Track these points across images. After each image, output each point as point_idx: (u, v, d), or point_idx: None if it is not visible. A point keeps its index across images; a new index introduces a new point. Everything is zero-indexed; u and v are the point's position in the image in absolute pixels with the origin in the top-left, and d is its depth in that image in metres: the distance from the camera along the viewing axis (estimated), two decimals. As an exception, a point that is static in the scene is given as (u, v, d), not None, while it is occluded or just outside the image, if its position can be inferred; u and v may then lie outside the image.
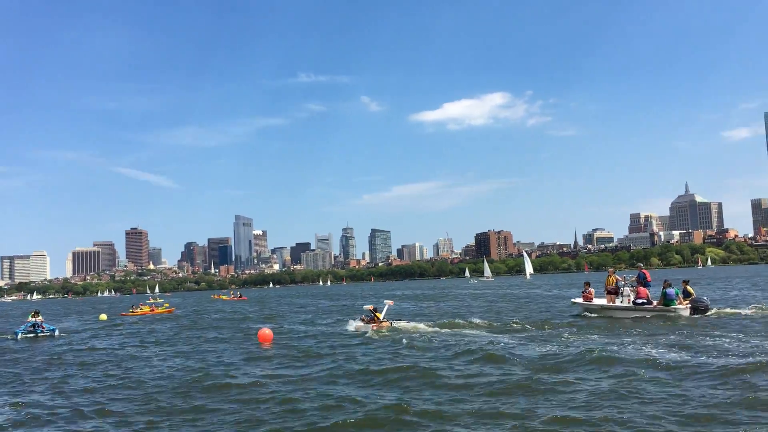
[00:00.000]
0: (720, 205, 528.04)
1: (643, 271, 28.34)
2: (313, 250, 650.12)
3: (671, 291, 26.60)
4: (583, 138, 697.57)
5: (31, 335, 32.48)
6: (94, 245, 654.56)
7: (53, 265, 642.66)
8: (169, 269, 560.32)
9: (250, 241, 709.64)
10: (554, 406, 11.14)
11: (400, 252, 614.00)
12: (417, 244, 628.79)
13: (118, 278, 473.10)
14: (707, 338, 18.84)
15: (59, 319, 57.98)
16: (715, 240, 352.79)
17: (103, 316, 52.61)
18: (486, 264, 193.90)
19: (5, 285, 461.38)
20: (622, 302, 28.13)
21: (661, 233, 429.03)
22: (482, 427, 10.13)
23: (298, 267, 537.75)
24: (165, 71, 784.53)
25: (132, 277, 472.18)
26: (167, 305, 64.55)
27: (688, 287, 27.55)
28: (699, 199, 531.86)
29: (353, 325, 28.32)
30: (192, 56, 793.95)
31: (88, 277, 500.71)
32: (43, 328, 33.40)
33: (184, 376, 16.39)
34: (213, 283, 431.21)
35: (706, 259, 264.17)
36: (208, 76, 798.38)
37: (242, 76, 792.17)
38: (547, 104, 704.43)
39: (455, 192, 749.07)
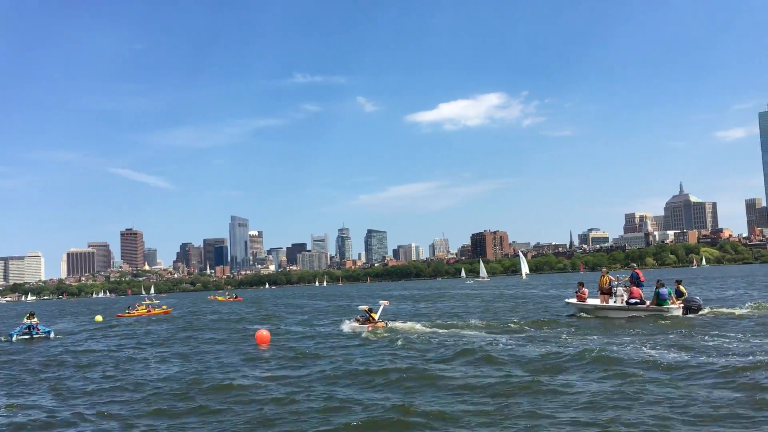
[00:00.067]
0: (714, 205, 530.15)
1: (636, 271, 28.50)
2: (309, 251, 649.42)
3: (664, 291, 26.71)
4: (578, 138, 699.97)
5: (26, 337, 32.27)
6: (89, 246, 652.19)
7: (48, 266, 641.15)
8: (164, 270, 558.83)
9: (245, 242, 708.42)
10: (557, 407, 11.11)
11: (396, 252, 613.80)
12: (413, 245, 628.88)
13: (113, 279, 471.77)
14: (701, 338, 18.91)
15: (54, 320, 57.78)
16: (709, 240, 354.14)
17: (99, 318, 52.46)
18: (482, 264, 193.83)
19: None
20: (615, 302, 28.25)
21: (655, 233, 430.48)
22: (485, 429, 10.12)
23: (294, 267, 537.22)
24: (161, 72, 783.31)
25: (127, 278, 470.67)
26: (165, 307, 64.44)
27: (681, 287, 27.71)
28: (693, 199, 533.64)
29: (348, 326, 28.36)
30: (188, 57, 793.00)
31: (83, 278, 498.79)
32: (39, 330, 33.18)
33: (182, 378, 16.33)
34: (209, 284, 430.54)
35: (701, 259, 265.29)
36: (204, 77, 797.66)
37: (238, 76, 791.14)
38: (543, 105, 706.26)
39: (451, 192, 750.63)
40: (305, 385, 14.46)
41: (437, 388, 13.36)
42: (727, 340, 18.14)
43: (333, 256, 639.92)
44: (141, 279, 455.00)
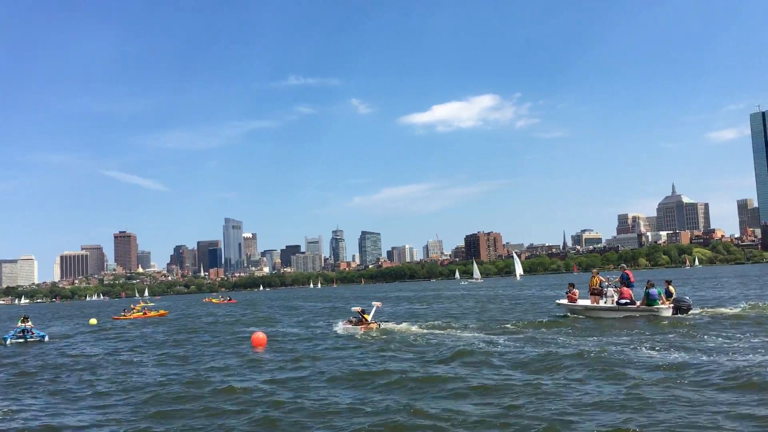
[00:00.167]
0: (707, 205, 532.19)
1: (626, 271, 28.74)
2: (303, 253, 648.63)
3: (654, 291, 26.95)
4: (571, 140, 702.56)
5: (21, 341, 32.17)
6: (83, 249, 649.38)
7: (41, 269, 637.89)
8: (158, 273, 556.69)
9: (239, 244, 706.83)
10: (559, 409, 11.10)
11: (390, 254, 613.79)
12: (407, 246, 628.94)
13: (106, 282, 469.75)
14: (692, 337, 19.12)
15: (48, 323, 57.51)
16: (702, 240, 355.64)
17: (93, 321, 52.26)
18: (475, 265, 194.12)
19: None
20: (606, 303, 28.52)
21: (648, 234, 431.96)
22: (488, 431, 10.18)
23: (288, 269, 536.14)
24: (154, 74, 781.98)
25: (121, 281, 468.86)
26: (162, 311, 64.19)
27: (671, 287, 28.01)
28: (686, 199, 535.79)
29: (341, 327, 28.53)
30: (181, 59, 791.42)
31: (77, 281, 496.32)
32: (33, 333, 33.12)
33: (180, 382, 16.27)
34: (203, 287, 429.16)
35: (694, 260, 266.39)
36: (197, 79, 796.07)
37: (232, 78, 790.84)
38: (536, 106, 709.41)
39: (445, 194, 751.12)
40: (304, 387, 14.48)
41: (437, 390, 13.33)
42: (719, 340, 18.30)
43: (327, 258, 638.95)
44: (135, 282, 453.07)
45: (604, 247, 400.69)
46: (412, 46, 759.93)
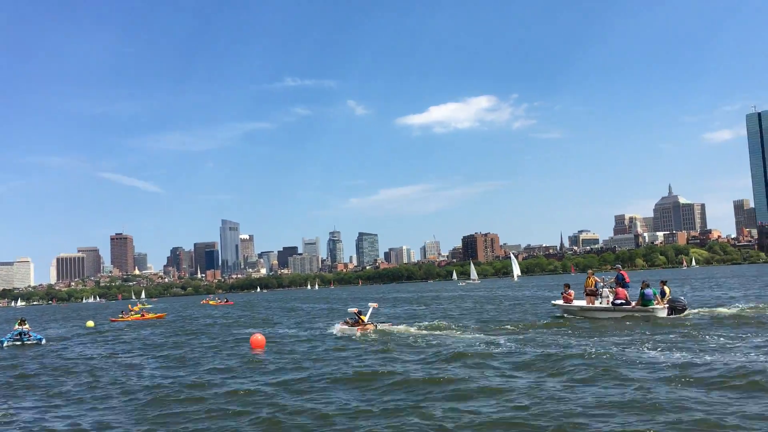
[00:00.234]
0: (703, 206, 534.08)
1: (621, 272, 28.77)
2: (301, 254, 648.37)
3: (649, 291, 26.98)
4: (567, 140, 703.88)
5: (18, 343, 32.02)
6: (79, 251, 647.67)
7: (37, 272, 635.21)
8: (154, 275, 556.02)
9: (236, 246, 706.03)
10: (567, 411, 10.99)
11: (387, 255, 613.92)
12: (404, 247, 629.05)
13: (103, 284, 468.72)
14: (692, 337, 19.16)
15: (44, 325, 57.39)
16: (698, 241, 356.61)
17: (90, 323, 51.95)
18: (472, 266, 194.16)
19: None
20: (601, 303, 28.65)
21: (645, 234, 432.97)
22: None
23: (285, 271, 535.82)
24: (151, 76, 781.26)
25: (117, 283, 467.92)
26: (161, 314, 64.02)
27: (665, 287, 28.12)
28: (682, 200, 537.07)
29: (337, 328, 28.58)
30: (178, 60, 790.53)
31: (73, 284, 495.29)
32: (30, 336, 32.99)
33: (179, 384, 16.19)
34: (200, 288, 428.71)
35: (691, 260, 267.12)
36: (194, 81, 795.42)
37: (228, 80, 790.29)
38: (532, 107, 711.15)
39: (442, 195, 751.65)
40: (305, 390, 14.43)
41: (440, 392, 13.23)
42: (720, 340, 18.34)
43: (324, 260, 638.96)
44: (131, 284, 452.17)
45: (601, 247, 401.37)
46: (409, 48, 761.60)
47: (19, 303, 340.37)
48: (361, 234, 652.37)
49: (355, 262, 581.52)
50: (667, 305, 26.56)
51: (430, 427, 10.55)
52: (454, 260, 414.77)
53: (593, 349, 17.45)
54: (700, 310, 28.43)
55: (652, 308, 26.47)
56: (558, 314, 31.21)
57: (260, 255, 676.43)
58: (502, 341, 20.94)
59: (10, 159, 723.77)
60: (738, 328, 21.43)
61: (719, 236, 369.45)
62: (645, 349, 17.32)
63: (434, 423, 10.73)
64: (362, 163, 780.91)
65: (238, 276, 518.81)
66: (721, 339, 18.64)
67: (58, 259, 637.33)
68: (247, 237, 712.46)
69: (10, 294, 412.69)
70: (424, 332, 25.82)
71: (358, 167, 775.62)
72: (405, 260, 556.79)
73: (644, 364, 14.96)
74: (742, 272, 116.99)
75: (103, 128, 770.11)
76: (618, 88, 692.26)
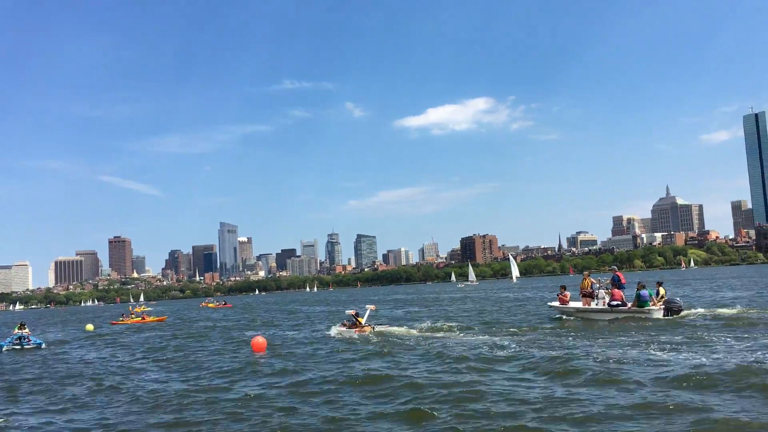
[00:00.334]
0: (701, 207, 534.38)
1: (617, 273, 28.92)
2: (299, 257, 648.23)
3: (645, 292, 27.01)
4: (565, 142, 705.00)
5: (17, 347, 31.92)
6: (77, 254, 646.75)
7: (35, 275, 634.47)
8: (153, 277, 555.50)
9: (235, 248, 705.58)
10: (575, 413, 10.93)
11: (385, 257, 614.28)
12: (402, 249, 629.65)
13: (101, 287, 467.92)
14: (684, 339, 19.20)
15: (43, 329, 57.19)
16: (696, 242, 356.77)
17: (90, 326, 51.77)
18: (470, 268, 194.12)
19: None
20: (597, 304, 28.79)
21: (643, 235, 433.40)
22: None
23: (283, 273, 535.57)
24: (148, 78, 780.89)
25: (116, 286, 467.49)
26: (162, 317, 63.96)
27: (661, 288, 28.24)
28: (680, 201, 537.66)
29: (335, 330, 28.62)
30: (175, 63, 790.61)
31: (71, 287, 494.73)
32: (30, 341, 32.87)
33: (182, 388, 16.13)
34: (198, 291, 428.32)
35: (689, 261, 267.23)
36: (191, 83, 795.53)
37: (226, 82, 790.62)
38: (530, 109, 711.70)
39: (440, 197, 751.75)
40: (309, 393, 14.39)
41: (445, 395, 13.11)
42: (715, 340, 18.40)
43: (323, 262, 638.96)
44: (130, 287, 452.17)
45: (600, 249, 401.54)
46: (407, 50, 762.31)
47: (17, 307, 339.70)
48: (359, 236, 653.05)
49: (353, 264, 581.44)
50: (663, 306, 26.69)
51: (442, 430, 10.53)
52: (453, 262, 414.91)
53: (594, 351, 17.47)
54: (700, 310, 28.41)
55: (648, 309, 26.52)
56: (555, 316, 31.35)
57: (258, 257, 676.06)
58: (504, 343, 20.93)
59: (8, 162, 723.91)
60: (738, 329, 21.42)
61: (717, 237, 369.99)
62: (645, 350, 17.32)
63: (444, 426, 10.71)
64: (360, 165, 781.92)
65: (237, 278, 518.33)
66: (721, 339, 18.65)
67: (56, 263, 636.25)
68: (246, 239, 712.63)
69: (8, 298, 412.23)
70: (426, 334, 25.78)
71: (356, 169, 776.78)
72: (403, 262, 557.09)
73: (645, 364, 14.97)
74: (742, 273, 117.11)
75: (101, 131, 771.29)
76: (615, 89, 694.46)
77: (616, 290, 27.96)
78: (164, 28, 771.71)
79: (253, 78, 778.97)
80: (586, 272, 32.10)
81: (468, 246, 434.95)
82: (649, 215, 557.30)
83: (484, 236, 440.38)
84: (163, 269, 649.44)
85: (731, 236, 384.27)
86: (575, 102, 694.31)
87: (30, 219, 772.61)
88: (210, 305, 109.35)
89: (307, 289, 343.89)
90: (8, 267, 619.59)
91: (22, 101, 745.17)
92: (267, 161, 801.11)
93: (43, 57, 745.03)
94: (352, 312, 29.22)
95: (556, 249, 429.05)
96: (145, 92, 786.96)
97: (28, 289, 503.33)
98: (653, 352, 16.84)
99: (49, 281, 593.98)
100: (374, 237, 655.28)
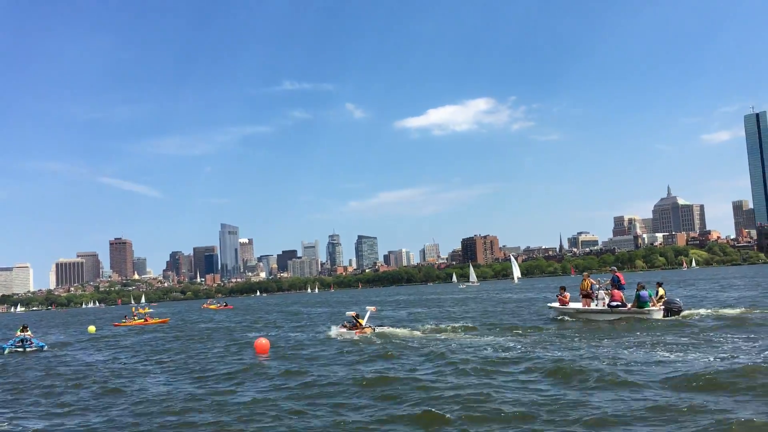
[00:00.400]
0: (702, 207, 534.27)
1: (617, 273, 28.93)
2: (300, 258, 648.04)
3: (644, 293, 26.97)
4: (566, 142, 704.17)
5: (19, 350, 31.92)
6: (78, 256, 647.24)
7: (36, 277, 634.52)
8: (154, 279, 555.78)
9: (236, 250, 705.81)
10: (583, 416, 10.89)
11: (386, 258, 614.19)
12: (403, 250, 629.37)
13: (102, 289, 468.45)
14: (685, 339, 19.18)
15: (45, 331, 57.11)
16: (698, 242, 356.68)
17: (92, 328, 51.74)
18: (471, 269, 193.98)
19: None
20: (596, 305, 28.80)
21: (644, 236, 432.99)
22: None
23: (284, 275, 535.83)
24: (148, 80, 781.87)
25: (117, 288, 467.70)
26: (164, 318, 63.94)
27: (661, 289, 28.21)
28: (681, 201, 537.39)
29: (335, 332, 28.63)
30: (175, 64, 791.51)
31: (72, 289, 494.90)
32: (32, 343, 32.85)
33: (186, 391, 16.05)
34: (199, 293, 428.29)
35: (691, 261, 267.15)
36: (191, 85, 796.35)
37: (226, 83, 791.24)
38: (531, 109, 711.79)
39: (441, 198, 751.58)
40: (314, 395, 14.33)
41: (451, 396, 13.05)
42: (715, 340, 18.37)
43: (324, 263, 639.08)
44: (131, 288, 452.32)
45: (601, 249, 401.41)
46: (407, 50, 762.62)
47: (19, 309, 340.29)
48: (360, 237, 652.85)
49: (354, 265, 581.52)
50: (663, 307, 26.72)
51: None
52: (454, 263, 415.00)
53: (600, 352, 17.44)
54: (702, 311, 28.36)
55: (648, 310, 26.52)
56: (555, 316, 31.39)
57: (259, 259, 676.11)
58: (509, 344, 20.87)
59: (9, 164, 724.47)
60: (737, 329, 21.34)
61: (718, 237, 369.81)
62: (651, 351, 17.27)
63: (450, 428, 10.66)
64: (361, 166, 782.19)
65: (238, 280, 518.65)
66: (727, 339, 18.59)
67: (57, 265, 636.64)
68: (247, 241, 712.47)
69: (9, 300, 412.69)
70: (430, 335, 25.73)
71: (356, 170, 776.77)
72: (404, 263, 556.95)
73: (653, 365, 14.93)
74: (744, 273, 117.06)
75: (102, 133, 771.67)
76: (616, 89, 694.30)
77: (616, 291, 27.97)
78: (164, 30, 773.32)
79: (253, 79, 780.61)
80: (585, 273, 32.16)
81: (469, 247, 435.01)
82: (650, 215, 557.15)
83: (485, 237, 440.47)
84: (164, 271, 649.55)
85: (732, 236, 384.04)
86: (576, 102, 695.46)
87: (31, 221, 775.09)
88: (211, 307, 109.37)
89: (309, 290, 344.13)
90: (9, 269, 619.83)
91: (23, 103, 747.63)
92: (267, 162, 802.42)
93: (43, 58, 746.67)
94: (353, 313, 29.28)
95: (558, 249, 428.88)
96: (145, 93, 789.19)
97: (29, 291, 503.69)
98: (660, 353, 16.77)
99: (50, 283, 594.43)
100: (375, 238, 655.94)
